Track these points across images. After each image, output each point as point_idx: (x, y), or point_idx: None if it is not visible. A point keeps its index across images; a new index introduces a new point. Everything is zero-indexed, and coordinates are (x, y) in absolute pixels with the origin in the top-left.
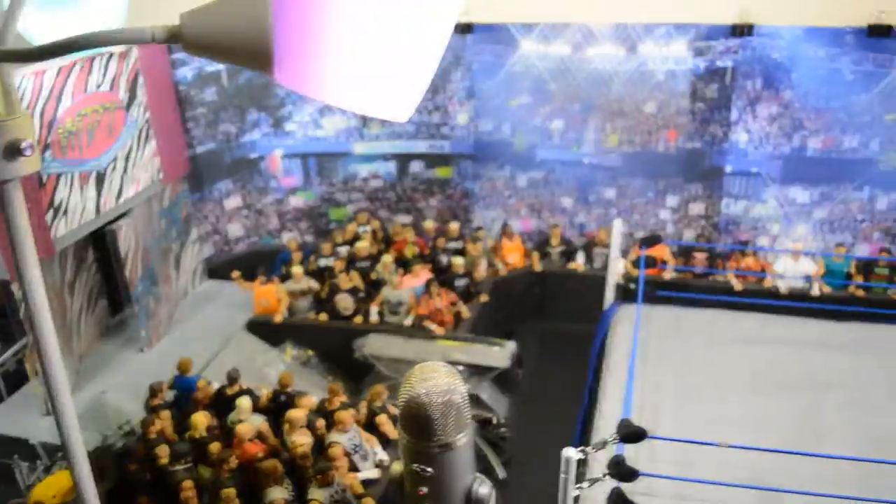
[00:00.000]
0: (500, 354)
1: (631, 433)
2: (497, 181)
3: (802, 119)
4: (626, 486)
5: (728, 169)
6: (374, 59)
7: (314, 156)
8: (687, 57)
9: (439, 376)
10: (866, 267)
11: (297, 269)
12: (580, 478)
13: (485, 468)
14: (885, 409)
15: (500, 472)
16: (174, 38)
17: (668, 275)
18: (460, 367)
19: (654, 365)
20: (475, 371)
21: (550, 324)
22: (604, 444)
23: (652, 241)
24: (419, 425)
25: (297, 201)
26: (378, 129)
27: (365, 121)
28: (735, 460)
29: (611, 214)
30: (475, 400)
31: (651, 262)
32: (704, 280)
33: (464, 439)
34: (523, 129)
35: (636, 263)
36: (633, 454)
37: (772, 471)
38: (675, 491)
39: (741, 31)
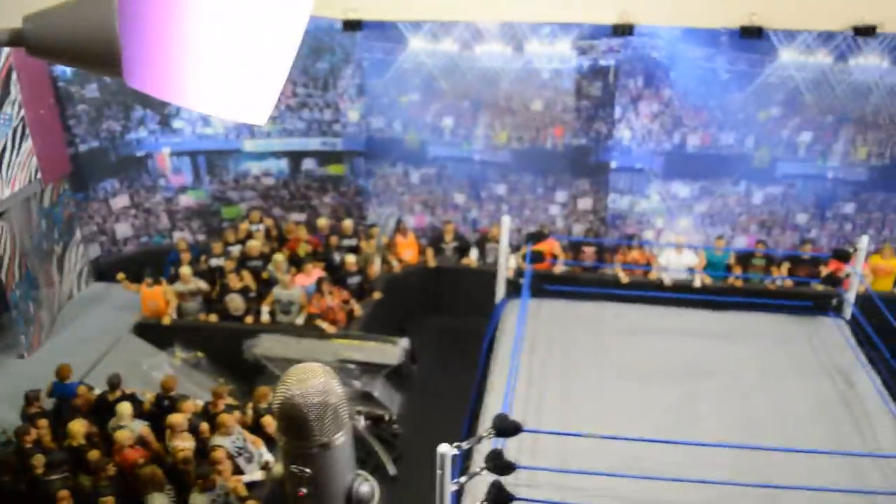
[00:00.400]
0: (392, 351)
1: (506, 427)
2: (390, 178)
3: (682, 116)
4: (506, 479)
5: (613, 165)
6: (226, 62)
7: (203, 153)
8: (571, 56)
9: (315, 377)
10: (744, 258)
11: (185, 270)
12: (465, 472)
13: (376, 465)
14: (757, 394)
15: (391, 469)
16: (17, 41)
17: (558, 269)
18: (353, 366)
19: (540, 357)
20: (368, 368)
21: (445, 319)
22: (479, 439)
23: (538, 236)
24: (296, 426)
25: (187, 200)
26: (269, 126)
27: None
28: (614, 449)
29: (502, 210)
30: (368, 397)
31: (540, 257)
32: (593, 273)
33: (342, 439)
34: (415, 127)
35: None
36: (517, 446)
37: (650, 457)
38: (556, 482)
39: (622, 30)
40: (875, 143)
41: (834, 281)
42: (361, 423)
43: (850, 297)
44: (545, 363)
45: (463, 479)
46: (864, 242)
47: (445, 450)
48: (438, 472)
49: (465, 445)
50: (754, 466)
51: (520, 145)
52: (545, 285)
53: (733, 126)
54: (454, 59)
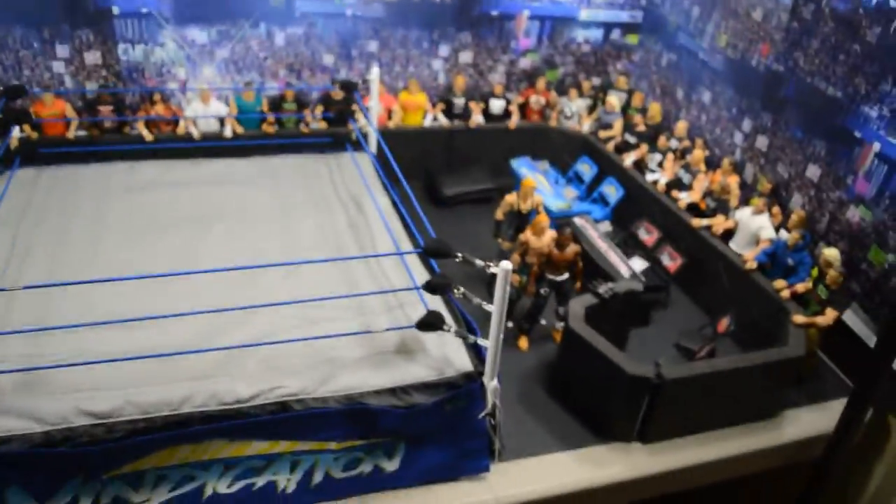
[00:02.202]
0: None
1: None
2: None
3: None
4: None
5: (115, 10)
6: None
7: None
8: None
9: None
10: (276, 103)
11: None
12: None
13: None
14: (269, 231)
15: None
16: None
17: (72, 132)
18: None
19: (28, 225)
20: None
21: None
22: None
23: (14, 91)
24: None
25: None
26: None
27: None
28: (100, 302)
29: None
30: None
31: (26, 117)
32: (114, 134)
33: None
34: None
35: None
36: None
37: (142, 307)
38: (27, 350)
39: None
40: None
41: (347, 114)
42: None
43: (370, 130)
44: (33, 231)
45: None
46: (374, 73)
47: None
48: None
49: None
50: (257, 296)
51: None
52: (38, 149)
53: None
54: None
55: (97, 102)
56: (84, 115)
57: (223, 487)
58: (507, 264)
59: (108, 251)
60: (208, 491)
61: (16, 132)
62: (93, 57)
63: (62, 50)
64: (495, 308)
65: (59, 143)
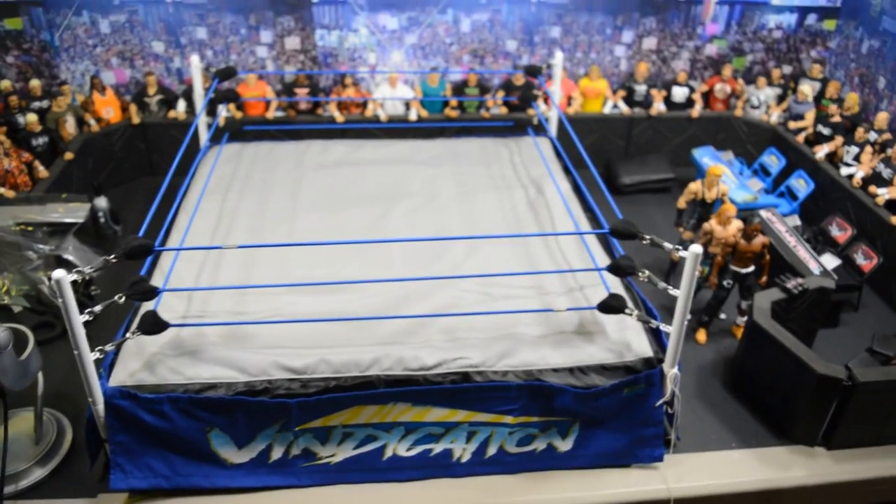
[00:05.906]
0: (79, 209)
1: (134, 249)
2: (77, 29)
3: None
4: (177, 310)
5: None
6: None
7: None
8: None
9: None
10: (459, 88)
11: None
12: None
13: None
14: (451, 208)
15: None
16: None
17: (271, 113)
18: (36, 228)
19: (233, 196)
20: (55, 230)
21: (159, 178)
22: (103, 261)
23: (226, 73)
24: None
25: None
26: None
27: None
28: (295, 269)
29: (206, 56)
30: (59, 260)
31: (234, 96)
32: (308, 115)
33: None
34: None
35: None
36: (196, 275)
37: (335, 274)
38: (232, 308)
39: None
40: None
41: (530, 98)
42: (48, 284)
43: (552, 115)
44: (238, 201)
45: (97, 308)
46: (558, 58)
47: (61, 275)
48: (60, 300)
49: (87, 270)
50: (440, 272)
51: None
52: (244, 127)
53: None
54: None
55: (294, 85)
56: (282, 96)
57: (402, 450)
58: (696, 248)
59: (302, 223)
60: (388, 452)
61: (223, 111)
62: (292, 42)
63: (266, 35)
64: (681, 293)
65: (260, 122)
